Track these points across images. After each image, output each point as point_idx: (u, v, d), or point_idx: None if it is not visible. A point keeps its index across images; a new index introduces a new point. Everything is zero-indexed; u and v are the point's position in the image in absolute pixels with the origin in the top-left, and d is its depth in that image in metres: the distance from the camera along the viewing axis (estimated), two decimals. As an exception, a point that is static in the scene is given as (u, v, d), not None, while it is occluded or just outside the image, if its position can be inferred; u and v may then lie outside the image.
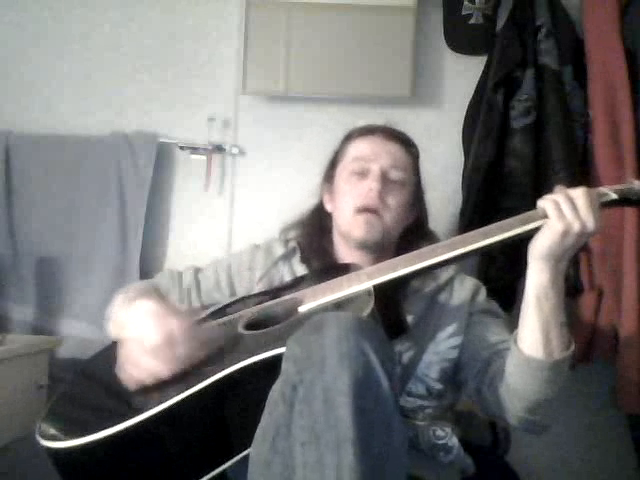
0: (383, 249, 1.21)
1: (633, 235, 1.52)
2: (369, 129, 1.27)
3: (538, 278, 0.98)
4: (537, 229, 0.98)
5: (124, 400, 0.90)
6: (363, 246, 1.19)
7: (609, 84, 1.59)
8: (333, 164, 1.29)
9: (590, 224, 0.94)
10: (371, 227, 1.17)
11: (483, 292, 1.23)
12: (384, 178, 1.19)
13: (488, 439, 1.44)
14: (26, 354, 1.54)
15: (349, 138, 1.29)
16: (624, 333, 1.51)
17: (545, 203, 0.97)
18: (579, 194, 0.97)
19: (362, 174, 1.20)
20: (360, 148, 1.24)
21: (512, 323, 1.22)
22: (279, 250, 1.27)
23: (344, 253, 1.24)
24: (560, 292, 0.98)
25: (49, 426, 0.87)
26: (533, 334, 0.99)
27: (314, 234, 1.29)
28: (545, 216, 0.97)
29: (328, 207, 1.29)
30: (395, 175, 1.20)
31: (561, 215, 0.95)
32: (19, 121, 1.82)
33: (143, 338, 0.91)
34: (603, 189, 1.02)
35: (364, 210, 1.17)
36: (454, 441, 1.09)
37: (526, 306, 1.00)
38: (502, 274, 1.61)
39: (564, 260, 0.97)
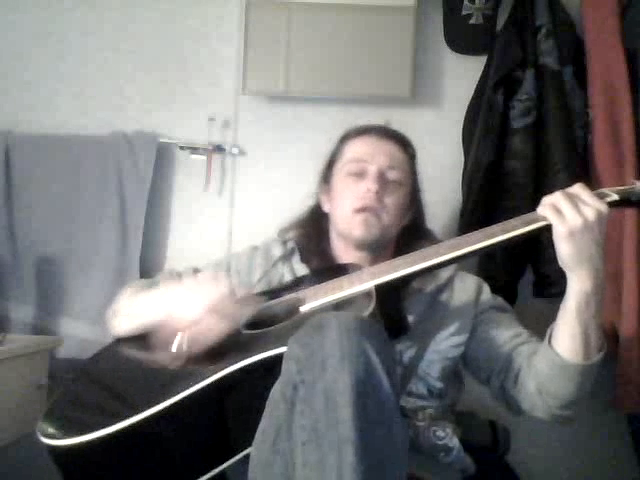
0: (382, 248, 1.22)
1: (633, 235, 1.52)
2: (365, 129, 1.27)
3: (579, 286, 0.97)
4: (539, 230, 0.98)
5: (124, 399, 0.91)
6: (362, 245, 1.20)
7: (609, 84, 1.59)
8: (329, 165, 1.30)
9: (591, 214, 0.94)
10: (370, 226, 1.17)
11: (486, 289, 1.24)
12: (381, 179, 1.19)
13: (488, 439, 1.44)
14: (26, 354, 1.54)
15: (345, 139, 1.29)
16: (624, 333, 1.51)
17: (544, 210, 0.97)
18: (574, 189, 0.98)
19: (359, 175, 1.21)
20: (356, 149, 1.24)
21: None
22: (278, 251, 1.28)
23: (342, 253, 1.25)
24: (602, 299, 0.98)
25: (49, 424, 0.87)
26: (573, 341, 0.99)
27: (312, 235, 1.29)
28: (546, 218, 0.97)
29: (325, 208, 1.29)
30: (392, 175, 1.21)
31: (561, 217, 0.94)
32: (19, 121, 1.82)
33: (215, 289, 0.97)
34: (604, 190, 1.01)
35: (362, 210, 1.18)
36: (454, 441, 1.09)
37: (566, 313, 1.00)
38: (503, 273, 1.61)
39: (598, 260, 0.96)
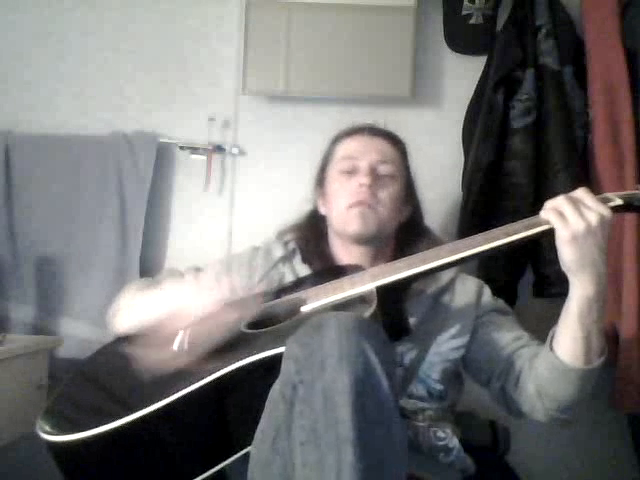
0: (380, 244, 1.22)
1: (633, 235, 1.52)
2: (355, 129, 1.28)
3: (581, 291, 0.97)
4: (542, 234, 0.98)
5: (122, 398, 0.91)
6: (360, 240, 1.20)
7: (609, 84, 1.59)
8: (322, 168, 1.30)
9: (594, 219, 0.94)
10: (365, 219, 1.17)
11: (487, 291, 1.24)
12: (373, 173, 1.19)
13: (488, 439, 1.44)
14: (26, 354, 1.54)
15: (336, 140, 1.30)
16: (624, 333, 1.51)
17: (547, 214, 0.97)
18: (577, 193, 0.98)
19: (351, 172, 1.21)
20: (347, 147, 1.25)
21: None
22: (278, 252, 1.28)
23: (342, 253, 1.25)
24: (604, 303, 0.98)
25: (47, 422, 0.87)
26: (574, 345, 0.99)
27: (311, 238, 1.29)
28: (549, 222, 0.96)
29: (322, 210, 1.29)
30: (384, 169, 1.21)
31: (564, 222, 0.94)
32: (19, 121, 1.82)
33: (208, 298, 0.97)
34: (608, 194, 1.01)
35: (357, 205, 1.18)
36: (454, 442, 1.09)
37: (568, 317, 0.99)
38: (503, 273, 1.61)
39: (601, 265, 0.95)
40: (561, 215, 0.95)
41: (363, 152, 1.21)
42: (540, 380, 1.05)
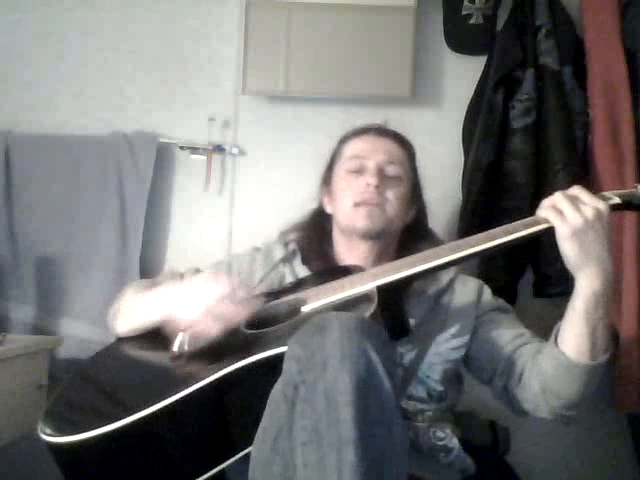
0: (385, 242, 1.22)
1: (633, 235, 1.53)
2: (362, 129, 1.28)
3: (587, 287, 0.97)
4: (542, 232, 0.98)
5: (122, 400, 0.91)
6: (366, 236, 1.20)
7: (609, 84, 1.59)
8: (329, 166, 1.30)
9: (591, 213, 0.94)
10: (374, 217, 1.18)
11: (487, 291, 1.24)
12: (381, 173, 1.19)
13: (488, 439, 1.44)
14: (26, 354, 1.54)
15: (344, 139, 1.30)
16: (624, 333, 1.51)
17: (545, 212, 0.97)
18: (573, 191, 0.99)
19: (359, 171, 1.21)
20: (355, 147, 1.25)
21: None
22: (279, 253, 1.28)
23: (346, 251, 1.25)
24: (610, 299, 0.98)
25: (47, 423, 0.87)
26: (580, 341, 0.99)
27: (314, 237, 1.29)
28: (547, 220, 0.97)
29: (327, 209, 1.29)
30: (391, 170, 1.21)
31: (563, 218, 0.95)
32: (19, 121, 1.82)
33: (214, 289, 0.96)
34: (606, 193, 1.02)
35: (363, 204, 1.18)
36: (454, 442, 1.09)
37: (574, 313, 0.99)
38: (503, 275, 1.61)
39: (606, 260, 0.96)
40: (559, 212, 0.96)
41: (371, 152, 1.22)
42: (544, 376, 1.05)
